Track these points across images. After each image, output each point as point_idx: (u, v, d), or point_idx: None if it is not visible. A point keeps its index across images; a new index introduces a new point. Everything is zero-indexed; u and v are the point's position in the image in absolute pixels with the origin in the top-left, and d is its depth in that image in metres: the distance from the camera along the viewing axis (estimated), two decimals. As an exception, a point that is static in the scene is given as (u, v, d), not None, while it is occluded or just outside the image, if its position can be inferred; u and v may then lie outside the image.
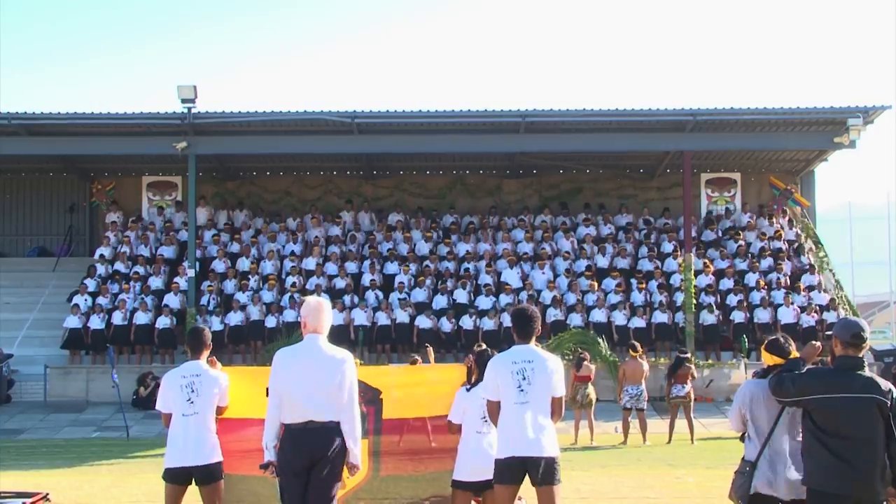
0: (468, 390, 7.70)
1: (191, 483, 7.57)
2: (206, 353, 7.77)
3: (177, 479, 7.52)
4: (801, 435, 6.12)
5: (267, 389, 6.94)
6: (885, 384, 5.83)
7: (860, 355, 5.86)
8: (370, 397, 8.29)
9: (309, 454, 6.51)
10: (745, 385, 6.53)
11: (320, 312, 6.79)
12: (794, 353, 6.39)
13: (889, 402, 5.75)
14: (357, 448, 6.66)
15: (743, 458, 6.34)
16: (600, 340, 22.53)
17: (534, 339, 6.92)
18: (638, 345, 18.46)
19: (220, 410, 7.72)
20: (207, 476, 7.48)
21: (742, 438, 6.43)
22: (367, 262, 25.62)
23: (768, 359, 6.41)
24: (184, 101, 23.30)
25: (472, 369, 7.90)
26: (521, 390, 6.68)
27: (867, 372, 5.83)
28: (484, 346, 8.23)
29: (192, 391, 7.51)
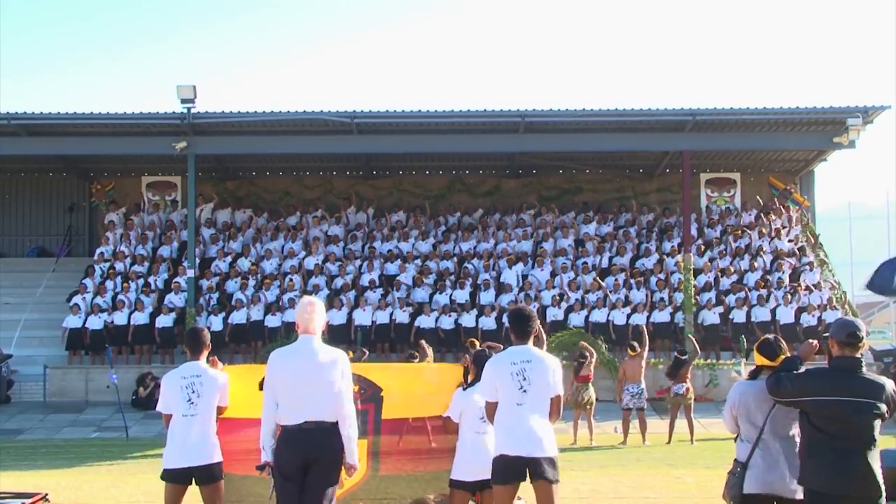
0: (465, 390, 7.72)
1: (191, 483, 7.58)
2: (205, 354, 7.77)
3: (177, 479, 7.53)
4: (791, 434, 6.13)
5: (261, 383, 6.92)
6: (884, 381, 5.82)
7: (858, 355, 5.85)
8: (370, 394, 8.28)
9: (304, 454, 6.51)
10: (735, 386, 6.54)
11: (311, 313, 6.80)
12: (783, 355, 6.40)
13: (888, 405, 5.76)
14: (354, 448, 6.66)
15: (735, 459, 6.36)
16: (600, 341, 22.51)
17: (531, 339, 6.93)
18: (636, 344, 18.45)
19: (220, 410, 7.73)
20: (208, 476, 7.49)
21: (737, 439, 6.44)
22: (366, 262, 25.61)
23: (759, 359, 6.44)
24: (183, 101, 23.30)
25: (468, 369, 7.92)
26: (523, 391, 6.69)
27: (866, 373, 5.83)
28: (480, 346, 8.26)
29: (193, 392, 7.52)
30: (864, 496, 5.71)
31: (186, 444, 7.46)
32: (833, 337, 5.92)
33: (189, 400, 7.50)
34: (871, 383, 5.78)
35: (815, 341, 6.46)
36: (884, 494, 5.78)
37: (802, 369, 6.10)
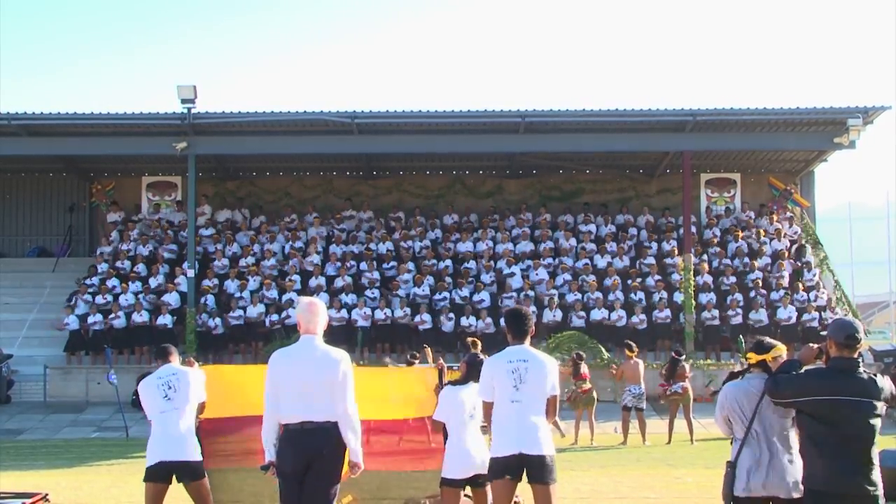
0: (454, 386, 7.76)
1: (171, 481, 7.65)
2: (172, 359, 8.04)
3: (157, 476, 7.63)
4: (783, 433, 6.14)
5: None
6: (882, 381, 5.85)
7: (855, 356, 5.88)
8: None
9: (305, 454, 6.51)
10: (723, 389, 6.53)
11: (312, 313, 6.81)
12: (772, 354, 6.40)
13: (886, 404, 5.80)
14: (357, 447, 6.67)
15: (727, 461, 6.39)
16: (599, 345, 22.56)
17: (528, 338, 6.95)
18: (634, 345, 18.50)
19: (199, 408, 7.88)
20: (190, 473, 7.60)
21: (732, 440, 6.46)
22: (366, 262, 25.61)
23: (751, 357, 6.46)
24: (183, 101, 23.31)
25: (443, 372, 8.00)
26: (516, 389, 6.74)
27: (864, 373, 5.85)
28: (478, 350, 8.31)
29: (170, 388, 7.73)
30: (864, 494, 5.73)
31: (165, 440, 7.61)
32: (831, 338, 5.95)
33: (166, 396, 7.69)
34: (869, 383, 5.81)
35: (815, 345, 6.45)
36: (882, 493, 5.80)
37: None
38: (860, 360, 5.90)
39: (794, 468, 6.07)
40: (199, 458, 7.67)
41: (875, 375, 5.87)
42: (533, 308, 23.13)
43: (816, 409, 5.80)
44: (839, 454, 5.72)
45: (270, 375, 6.72)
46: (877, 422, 5.80)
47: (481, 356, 8.07)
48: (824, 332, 6.22)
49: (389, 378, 9.22)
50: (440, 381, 7.99)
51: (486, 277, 24.85)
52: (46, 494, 9.78)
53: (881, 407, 5.80)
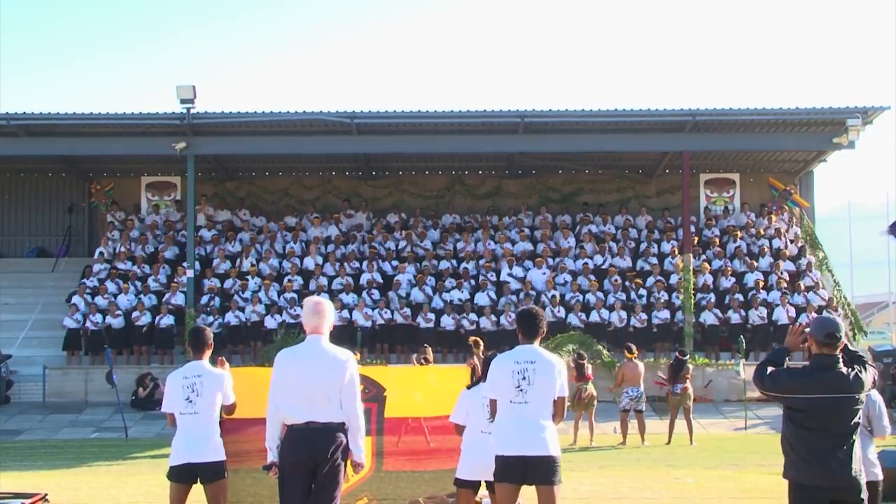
0: (469, 389, 7.74)
1: (195, 482, 7.61)
2: (207, 353, 7.79)
3: (181, 477, 7.56)
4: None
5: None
6: (863, 376, 5.94)
7: (835, 353, 5.98)
8: (374, 394, 8.32)
9: (310, 455, 6.51)
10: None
11: (318, 313, 6.80)
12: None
13: (866, 396, 5.95)
14: (361, 446, 6.67)
15: None
16: (598, 345, 22.55)
17: (538, 339, 6.93)
18: (633, 346, 18.50)
19: (228, 409, 7.75)
20: (211, 474, 7.52)
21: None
22: (366, 262, 25.61)
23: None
24: (183, 101, 23.28)
25: (475, 370, 7.95)
26: (521, 389, 6.70)
27: (844, 369, 5.92)
28: (480, 350, 8.29)
29: (193, 391, 7.55)
30: (844, 486, 5.85)
31: (189, 442, 7.51)
32: (812, 336, 6.08)
33: (188, 399, 7.54)
34: (848, 378, 5.93)
35: (798, 325, 6.48)
36: (864, 484, 5.93)
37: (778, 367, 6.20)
38: (839, 356, 5.97)
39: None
40: (221, 457, 7.57)
41: (854, 368, 5.95)
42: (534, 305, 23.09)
43: (798, 405, 5.94)
44: (820, 448, 5.84)
45: (276, 375, 6.71)
46: (858, 416, 5.92)
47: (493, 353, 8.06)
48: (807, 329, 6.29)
49: (398, 377, 9.23)
50: (472, 380, 7.94)
51: (486, 277, 24.82)
52: (46, 494, 9.77)
53: (862, 400, 5.96)
